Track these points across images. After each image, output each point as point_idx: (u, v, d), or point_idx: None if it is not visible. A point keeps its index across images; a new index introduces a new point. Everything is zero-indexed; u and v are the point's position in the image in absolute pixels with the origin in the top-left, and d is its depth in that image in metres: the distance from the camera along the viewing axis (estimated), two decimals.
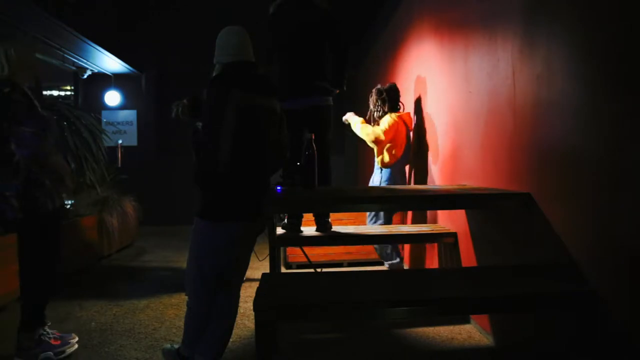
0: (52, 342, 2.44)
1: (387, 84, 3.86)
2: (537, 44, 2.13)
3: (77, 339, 2.64)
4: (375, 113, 3.82)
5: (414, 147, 3.92)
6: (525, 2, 2.24)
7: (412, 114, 4.09)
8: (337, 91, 3.06)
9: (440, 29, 3.48)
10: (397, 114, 3.73)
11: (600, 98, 1.71)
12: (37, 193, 2.35)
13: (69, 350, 2.49)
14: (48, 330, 2.54)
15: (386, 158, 3.67)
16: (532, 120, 2.19)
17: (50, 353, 2.39)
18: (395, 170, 3.71)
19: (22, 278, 2.48)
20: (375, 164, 3.82)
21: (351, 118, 3.83)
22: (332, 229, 3.14)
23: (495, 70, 2.53)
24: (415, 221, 4.06)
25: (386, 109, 3.74)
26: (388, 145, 3.65)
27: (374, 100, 3.80)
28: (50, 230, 2.48)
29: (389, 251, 3.72)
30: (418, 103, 4.00)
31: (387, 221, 3.76)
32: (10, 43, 2.38)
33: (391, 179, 3.71)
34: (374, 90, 3.84)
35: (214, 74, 2.16)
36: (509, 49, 2.37)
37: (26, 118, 2.28)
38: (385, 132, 3.61)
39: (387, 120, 3.66)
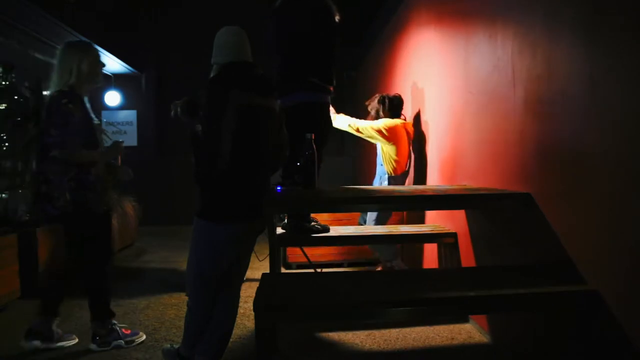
0: (124, 331, 2.65)
1: (393, 94, 3.85)
2: (537, 43, 2.13)
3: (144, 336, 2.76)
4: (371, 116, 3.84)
5: (414, 148, 3.92)
6: (525, 2, 2.24)
7: (411, 115, 4.09)
8: (331, 88, 2.98)
9: (440, 29, 3.48)
10: (400, 120, 3.72)
11: (600, 98, 1.71)
12: (89, 195, 2.49)
13: (138, 340, 2.67)
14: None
15: (389, 167, 3.66)
16: (532, 120, 2.19)
17: (122, 341, 2.60)
18: (397, 181, 3.70)
19: (84, 277, 2.66)
20: (382, 171, 3.80)
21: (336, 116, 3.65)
22: (331, 229, 3.13)
23: (495, 70, 2.53)
24: (411, 221, 4.06)
25: (382, 114, 3.73)
26: (392, 149, 3.63)
27: (375, 104, 3.79)
28: (101, 231, 2.63)
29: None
30: (418, 104, 4.00)
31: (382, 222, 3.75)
32: (85, 56, 2.51)
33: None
34: (376, 96, 3.84)
35: (212, 75, 2.16)
36: (509, 48, 2.37)
37: (74, 125, 2.42)
38: (386, 129, 3.58)
39: (385, 120, 3.65)
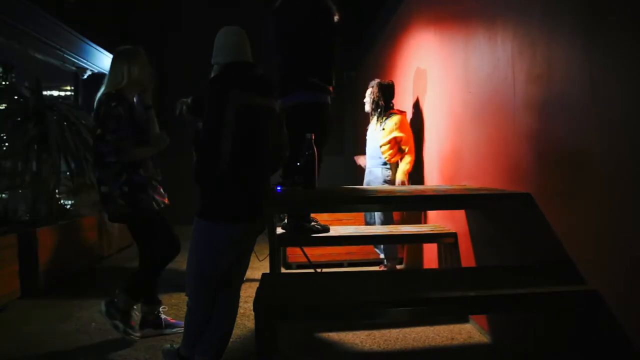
0: (170, 320, 2.81)
1: (387, 81, 3.93)
2: (537, 44, 2.13)
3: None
4: (368, 105, 3.90)
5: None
6: (524, 2, 2.25)
7: (411, 115, 4.10)
8: (331, 88, 2.97)
9: (440, 29, 3.48)
10: (397, 114, 3.77)
11: (600, 98, 1.71)
12: (142, 195, 2.61)
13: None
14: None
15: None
16: (531, 120, 2.19)
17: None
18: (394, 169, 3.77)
19: (141, 263, 2.77)
20: (381, 160, 3.83)
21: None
22: (331, 229, 3.13)
23: (495, 70, 2.53)
24: (411, 221, 4.06)
25: (381, 101, 3.83)
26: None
27: (375, 93, 3.85)
28: (158, 226, 2.73)
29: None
30: (418, 104, 4.00)
31: (387, 221, 3.78)
32: (133, 61, 2.66)
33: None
34: (375, 83, 3.90)
35: (212, 75, 2.16)
36: (509, 49, 2.37)
37: (126, 128, 2.54)
38: (401, 131, 3.71)
39: (395, 121, 3.71)
